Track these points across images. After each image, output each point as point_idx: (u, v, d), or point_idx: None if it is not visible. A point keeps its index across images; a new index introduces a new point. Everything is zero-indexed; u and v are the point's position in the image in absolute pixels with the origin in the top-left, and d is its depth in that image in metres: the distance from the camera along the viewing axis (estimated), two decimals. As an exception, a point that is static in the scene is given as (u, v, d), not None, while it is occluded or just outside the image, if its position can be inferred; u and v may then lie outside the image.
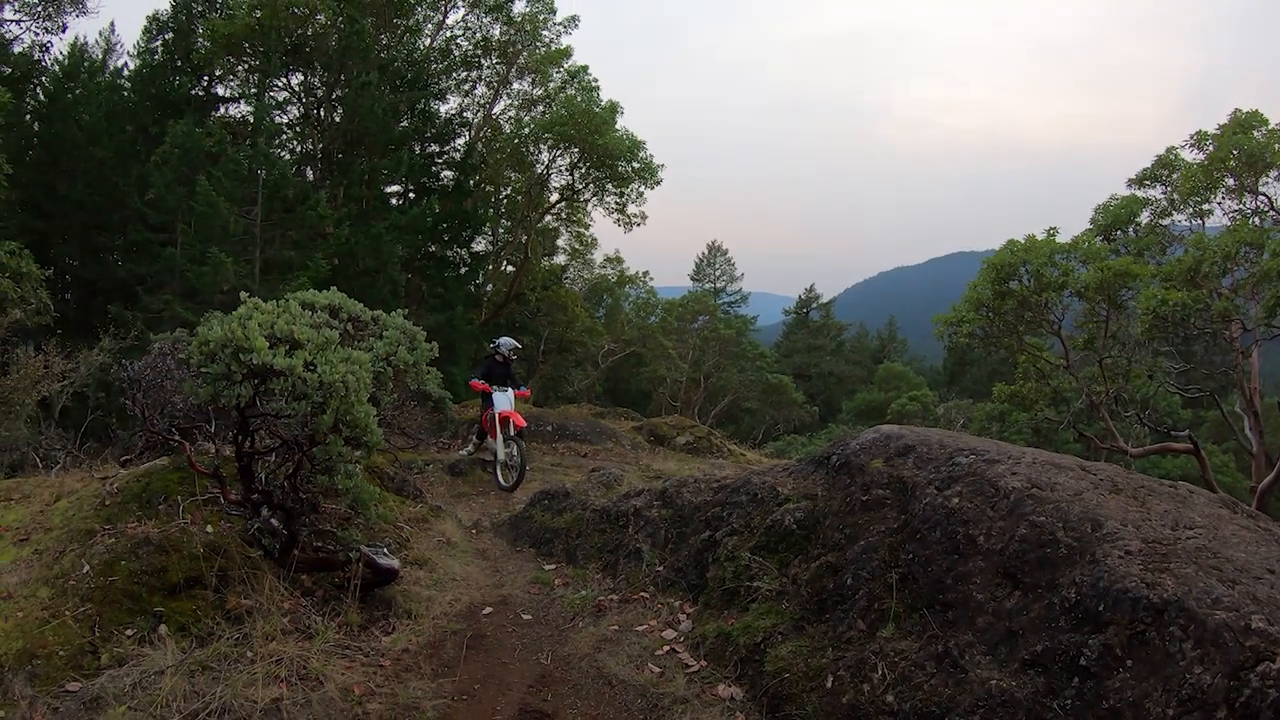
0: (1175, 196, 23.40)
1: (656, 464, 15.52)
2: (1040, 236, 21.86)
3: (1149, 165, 24.16)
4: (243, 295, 6.42)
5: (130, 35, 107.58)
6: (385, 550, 7.17)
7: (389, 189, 30.97)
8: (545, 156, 33.77)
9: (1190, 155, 23.09)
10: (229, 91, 30.19)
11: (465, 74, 33.92)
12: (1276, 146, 21.20)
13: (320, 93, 29.57)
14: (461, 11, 33.45)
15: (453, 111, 33.36)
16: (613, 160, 32.25)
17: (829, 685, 4.98)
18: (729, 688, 5.52)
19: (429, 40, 33.47)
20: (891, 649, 4.85)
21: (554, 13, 33.87)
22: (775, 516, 6.54)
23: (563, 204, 35.99)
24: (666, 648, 6.20)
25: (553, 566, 8.53)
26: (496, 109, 35.19)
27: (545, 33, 33.94)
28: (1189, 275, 19.00)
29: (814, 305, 74.59)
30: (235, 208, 22.94)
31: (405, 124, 29.70)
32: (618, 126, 32.30)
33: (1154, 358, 22.63)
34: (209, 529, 6.33)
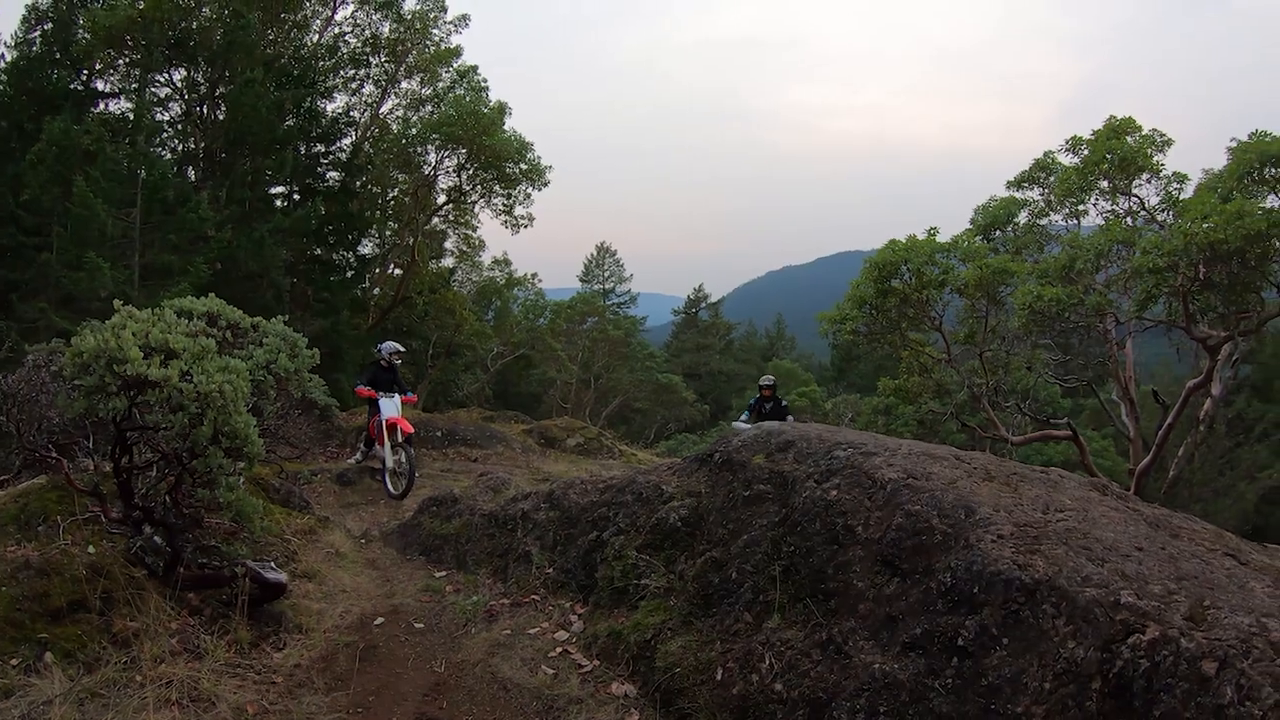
0: (1052, 198, 24.20)
1: (547, 466, 15.54)
2: (921, 236, 22.42)
3: (1027, 168, 24.93)
4: (116, 304, 6.22)
5: (7, 26, 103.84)
6: (272, 564, 7.04)
7: (273, 190, 29.95)
8: (433, 157, 33.30)
9: (1066, 159, 23.93)
10: (109, 87, 28.79)
11: (353, 72, 33.12)
12: (1148, 151, 22.06)
13: (203, 89, 28.57)
14: (351, 8, 32.69)
15: (339, 110, 32.49)
16: (500, 161, 31.97)
17: (719, 677, 5.06)
18: (622, 685, 5.57)
19: (317, 36, 32.60)
20: (778, 639, 4.94)
21: (444, 11, 33.33)
22: (660, 515, 6.61)
23: (450, 206, 35.56)
24: (559, 649, 6.22)
25: (443, 573, 8.49)
26: (384, 108, 34.52)
27: (435, 31, 33.39)
28: (1064, 272, 19.71)
29: (703, 305, 75.05)
30: (113, 210, 21.94)
31: (290, 123, 28.82)
32: (506, 127, 32.12)
33: (1032, 350, 23.35)
34: (90, 550, 6.12)
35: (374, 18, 32.75)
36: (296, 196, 30.16)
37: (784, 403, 14.58)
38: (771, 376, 15.75)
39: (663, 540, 6.44)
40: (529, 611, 6.99)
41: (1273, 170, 17.62)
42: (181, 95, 28.91)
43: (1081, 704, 3.61)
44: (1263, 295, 18.75)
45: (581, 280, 66.81)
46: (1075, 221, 24.25)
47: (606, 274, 67.56)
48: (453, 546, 8.94)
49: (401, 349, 14.74)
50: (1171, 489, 23.11)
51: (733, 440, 6.86)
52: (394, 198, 35.57)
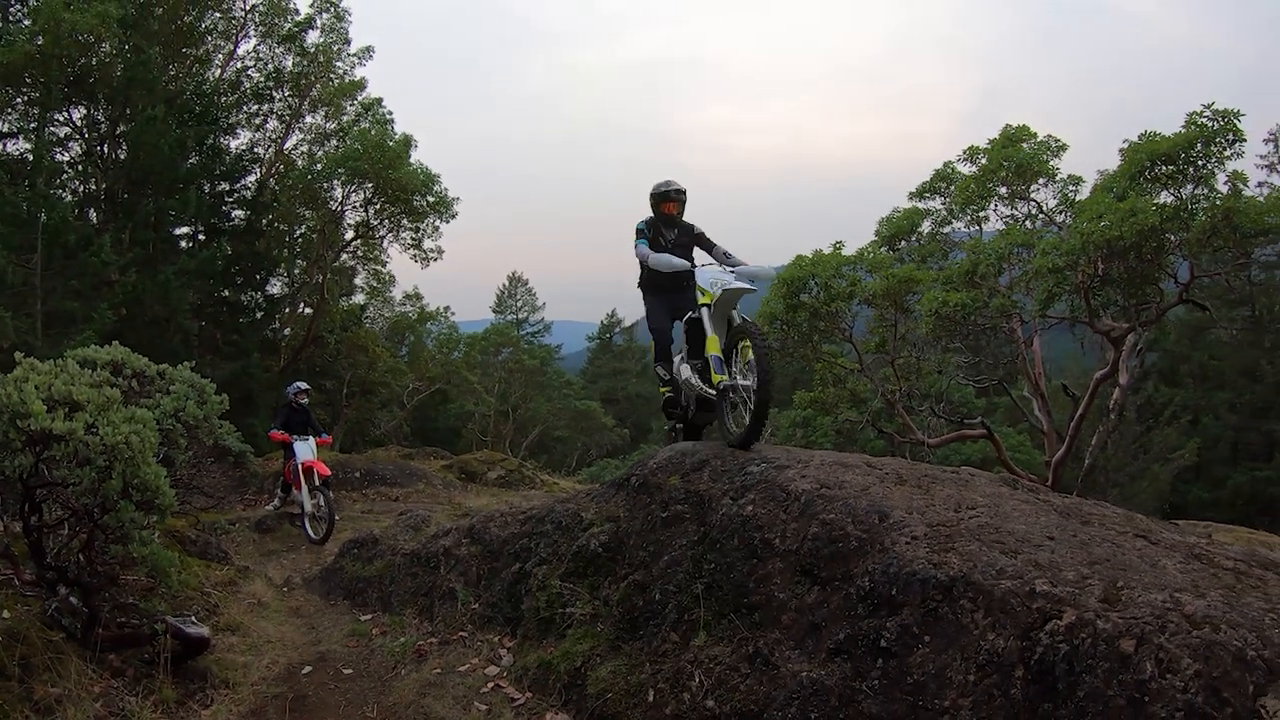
0: (953, 206, 24.57)
1: (468, 501, 15.43)
2: (828, 251, 22.75)
3: (929, 179, 25.33)
4: (18, 356, 6.09)
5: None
6: (193, 619, 6.90)
7: (177, 231, 28.91)
8: (339, 192, 32.54)
9: (965, 168, 24.39)
10: (6, 126, 27.66)
11: (256, 107, 32.21)
12: (1043, 157, 22.67)
13: (103, 128, 27.41)
14: (253, 41, 31.86)
15: (243, 147, 31.52)
16: (408, 195, 31.43)
17: (651, 699, 5.08)
18: (556, 715, 5.56)
19: (219, 71, 31.70)
20: (706, 656, 4.98)
21: (348, 43, 32.68)
22: (581, 542, 6.63)
23: (359, 241, 34.94)
24: (491, 684, 6.19)
25: (369, 616, 8.39)
26: (289, 144, 33.51)
27: (339, 64, 32.69)
28: (968, 277, 20.12)
29: (617, 329, 74.94)
30: (13, 256, 21.27)
31: (193, 161, 27.95)
32: (412, 160, 31.68)
33: (943, 354, 23.74)
34: (5, 614, 5.94)
35: (276, 51, 32.05)
36: (202, 237, 29.28)
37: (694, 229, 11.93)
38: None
39: (585, 567, 6.45)
40: (458, 649, 6.95)
41: (1163, 167, 18.15)
42: (81, 134, 27.83)
43: (1006, 692, 3.70)
44: (1161, 286, 19.43)
45: (494, 311, 66.50)
46: (977, 228, 24.72)
47: (519, 304, 67.34)
48: (376, 588, 8.85)
49: (305, 385, 14.57)
50: (1088, 476, 23.72)
51: (648, 463, 6.89)
52: (301, 235, 34.80)
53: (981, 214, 24.19)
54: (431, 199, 32.18)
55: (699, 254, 8.59)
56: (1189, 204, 17.81)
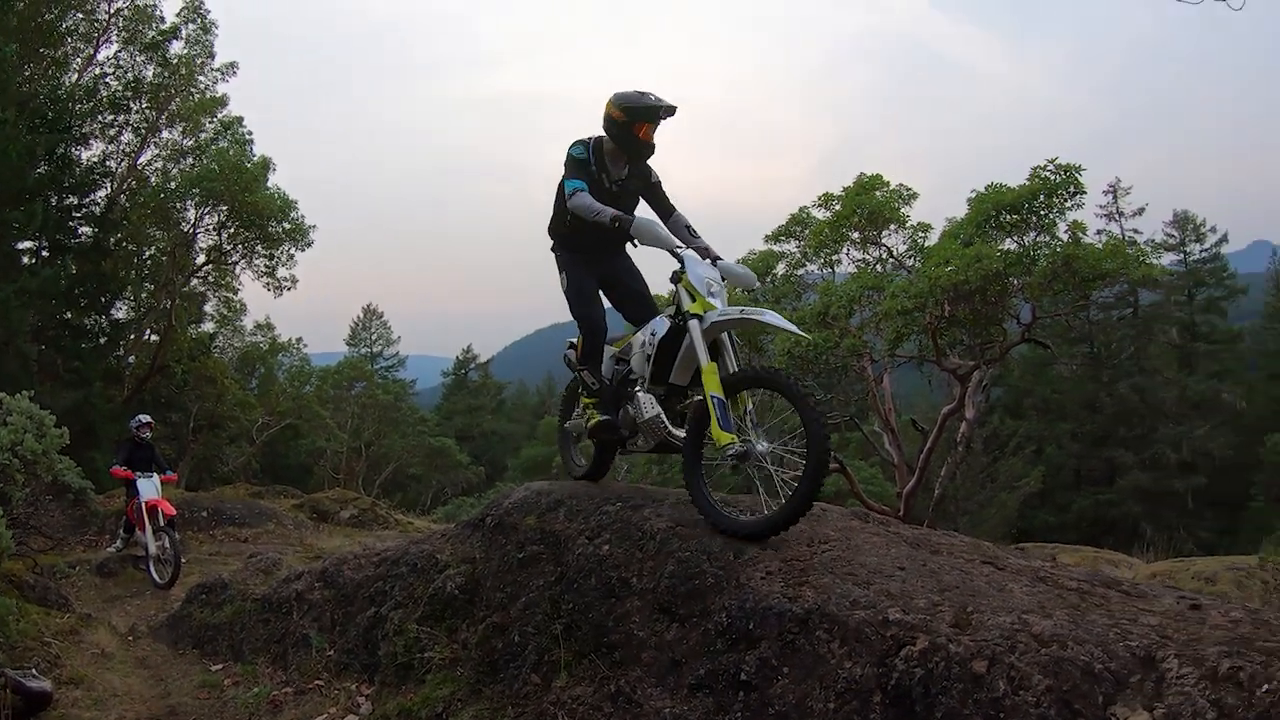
0: (808, 249, 25.24)
1: (321, 542, 15.11)
2: (684, 292, 23.19)
3: (784, 223, 25.97)
4: None
5: None
6: (34, 671, 6.59)
7: (20, 245, 26.95)
8: (192, 214, 31.21)
9: (820, 213, 25.12)
10: None
11: (112, 117, 30.18)
12: (894, 204, 23.62)
13: None
14: (115, 47, 30.10)
15: (95, 159, 29.55)
16: (263, 220, 30.54)
17: (514, 743, 5.04)
18: (418, 762, 5.47)
19: (76, 76, 29.94)
20: (568, 697, 4.97)
21: (212, 57, 31.27)
22: (437, 584, 6.54)
23: (210, 266, 33.66)
24: (350, 733, 6.04)
25: (220, 666, 8.07)
26: (143, 159, 31.63)
27: (201, 78, 31.21)
28: (820, 318, 20.79)
29: (472, 366, 74.37)
30: None
31: (42, 170, 26.48)
32: (270, 184, 30.92)
33: (795, 392, 24.34)
34: None
35: (138, 60, 30.42)
36: (45, 253, 27.54)
37: None
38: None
39: (442, 610, 6.37)
40: (314, 698, 6.75)
41: (1008, 216, 19.23)
42: None
43: (866, 717, 3.81)
44: (1004, 326, 20.44)
45: (348, 344, 65.37)
46: (829, 271, 25.46)
47: (374, 337, 66.36)
48: (227, 636, 8.54)
49: (150, 420, 14.06)
50: (939, 506, 24.56)
51: (504, 503, 6.83)
52: (150, 257, 33.13)
53: (834, 257, 25.01)
54: (288, 225, 31.38)
55: (646, 212, 6.41)
56: (1031, 250, 19.02)
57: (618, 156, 6.22)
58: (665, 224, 6.17)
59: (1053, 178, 18.93)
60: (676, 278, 5.67)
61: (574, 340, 6.65)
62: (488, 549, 6.51)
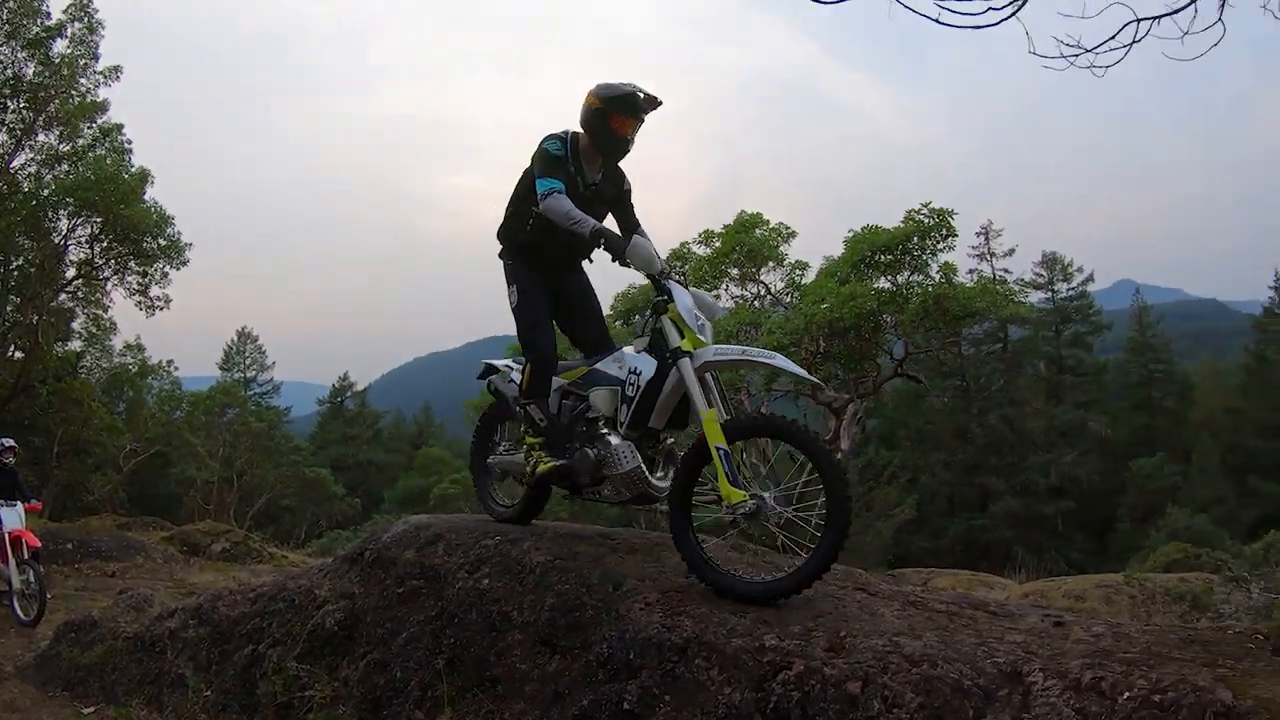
0: (688, 284, 25.59)
1: (193, 577, 14.72)
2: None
3: (665, 257, 26.30)
4: None
5: None
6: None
7: None
8: (64, 224, 29.41)
9: (700, 249, 25.52)
10: None
11: None
12: (773, 242, 24.17)
13: None
14: None
15: None
16: (138, 235, 29.16)
17: (397, 779, 5.03)
18: (300, 802, 5.40)
19: None
20: (453, 732, 4.98)
21: (96, 59, 29.64)
22: (316, 620, 6.43)
23: (80, 281, 32.14)
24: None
25: (92, 709, 7.72)
26: (16, 162, 29.88)
27: (83, 80, 29.54)
28: None
29: (349, 394, 72.89)
30: None
31: None
32: (147, 198, 29.60)
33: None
34: None
35: (19, 55, 28.74)
36: None
37: None
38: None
39: (322, 647, 6.26)
40: (192, 740, 6.57)
41: (883, 256, 19.92)
42: None
43: (748, 741, 3.92)
44: (878, 361, 21.04)
45: (221, 368, 63.74)
46: (709, 306, 25.88)
47: (248, 361, 64.84)
48: (98, 677, 8.16)
49: (13, 444, 13.50)
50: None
51: (382, 537, 6.76)
52: (18, 268, 31.52)
53: (714, 293, 25.38)
54: (164, 242, 29.93)
55: (612, 225, 5.76)
56: (905, 289, 19.80)
57: (592, 156, 5.63)
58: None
59: (926, 221, 19.85)
60: (661, 308, 5.11)
61: (499, 363, 6.31)
62: (366, 584, 6.43)
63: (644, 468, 5.03)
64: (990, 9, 4.86)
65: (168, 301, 31.56)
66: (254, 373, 64.83)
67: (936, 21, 4.92)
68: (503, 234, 5.85)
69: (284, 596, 7.04)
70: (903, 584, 5.35)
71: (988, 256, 50.56)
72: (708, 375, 4.92)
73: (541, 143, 5.51)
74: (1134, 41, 5.13)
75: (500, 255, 5.85)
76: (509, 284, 5.75)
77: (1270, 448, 50.56)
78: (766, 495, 4.61)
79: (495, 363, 6.39)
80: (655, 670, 4.35)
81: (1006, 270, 48.67)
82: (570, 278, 5.95)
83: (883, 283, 20.47)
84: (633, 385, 5.14)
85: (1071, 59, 4.96)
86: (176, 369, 45.76)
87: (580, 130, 5.55)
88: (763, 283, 24.84)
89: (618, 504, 5.63)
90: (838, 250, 21.95)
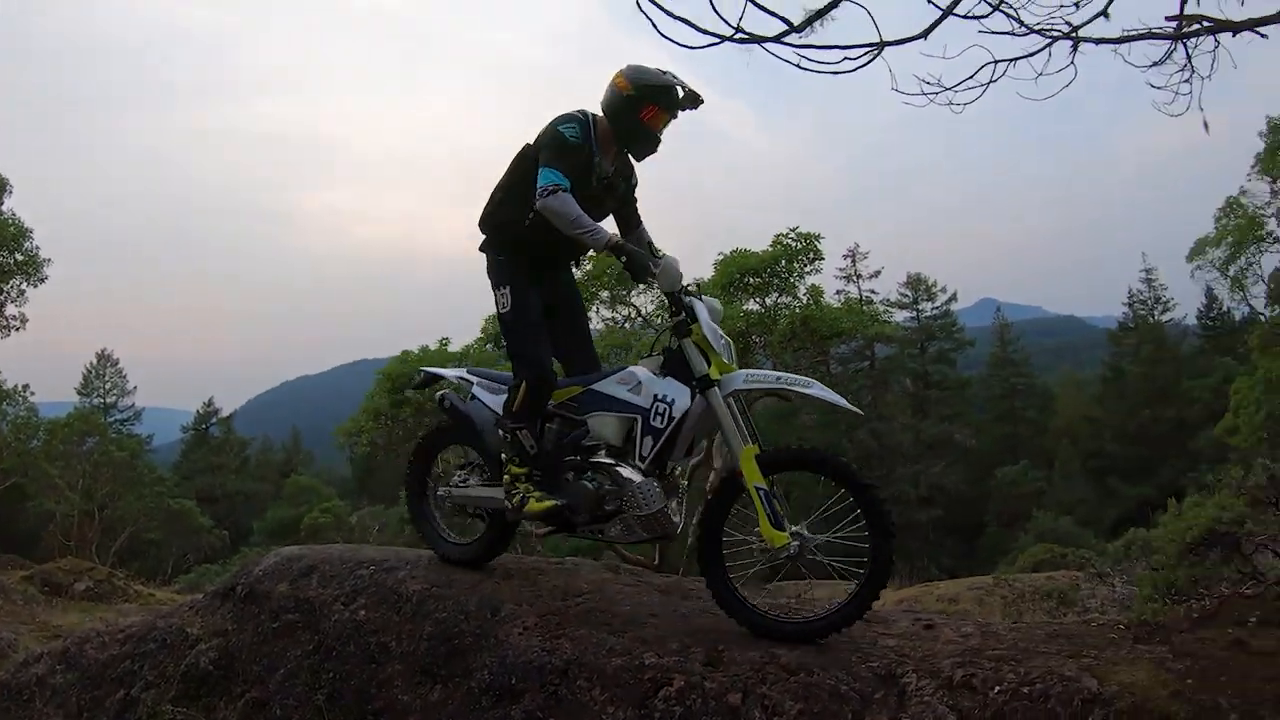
0: (557, 307, 25.76)
1: (56, 619, 14.18)
2: (433, 347, 23.37)
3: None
4: None
5: None
6: None
7: None
8: None
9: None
10: None
11: None
12: None
13: None
14: None
15: None
16: None
17: (281, 817, 4.95)
18: None
19: None
20: (337, 769, 4.92)
21: None
22: (190, 660, 6.24)
23: None
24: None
25: None
26: None
27: None
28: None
29: (214, 420, 70.44)
30: None
31: None
32: (4, 209, 28.28)
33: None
34: None
35: None
36: None
37: None
38: None
39: (197, 688, 6.07)
40: (64, 791, 6.37)
41: (750, 279, 20.40)
42: None
43: (634, 756, 3.99)
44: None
45: (80, 393, 61.24)
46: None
47: (108, 386, 62.47)
48: None
49: None
50: (689, 555, 25.36)
51: (254, 571, 6.61)
52: None
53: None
54: (20, 257, 28.72)
55: (611, 226, 5.08)
56: (773, 311, 20.27)
57: (609, 145, 4.92)
58: (629, 239, 5.13)
59: (794, 244, 20.42)
60: (683, 330, 4.57)
61: (448, 373, 5.66)
62: (240, 620, 6.27)
63: (669, 508, 4.58)
64: (846, 59, 5.14)
65: (24, 321, 30.16)
66: (114, 398, 62.43)
67: (798, 67, 5.16)
68: (491, 223, 5.11)
69: (155, 636, 6.83)
70: (777, 597, 5.44)
71: (855, 278, 52.15)
72: (732, 402, 4.49)
73: (554, 123, 4.81)
74: (991, 81, 5.46)
75: (484, 248, 5.15)
76: (498, 285, 5.01)
77: (1127, 452, 54.23)
78: (803, 530, 4.38)
79: (441, 372, 5.72)
80: (538, 694, 4.36)
81: (873, 291, 50.43)
82: (560, 278, 5.33)
83: (751, 305, 20.94)
84: (661, 415, 4.56)
85: (931, 96, 5.19)
86: (33, 394, 43.90)
87: (601, 114, 4.88)
88: (633, 305, 25.05)
89: (624, 543, 5.07)
90: (708, 273, 22.35)
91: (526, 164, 4.87)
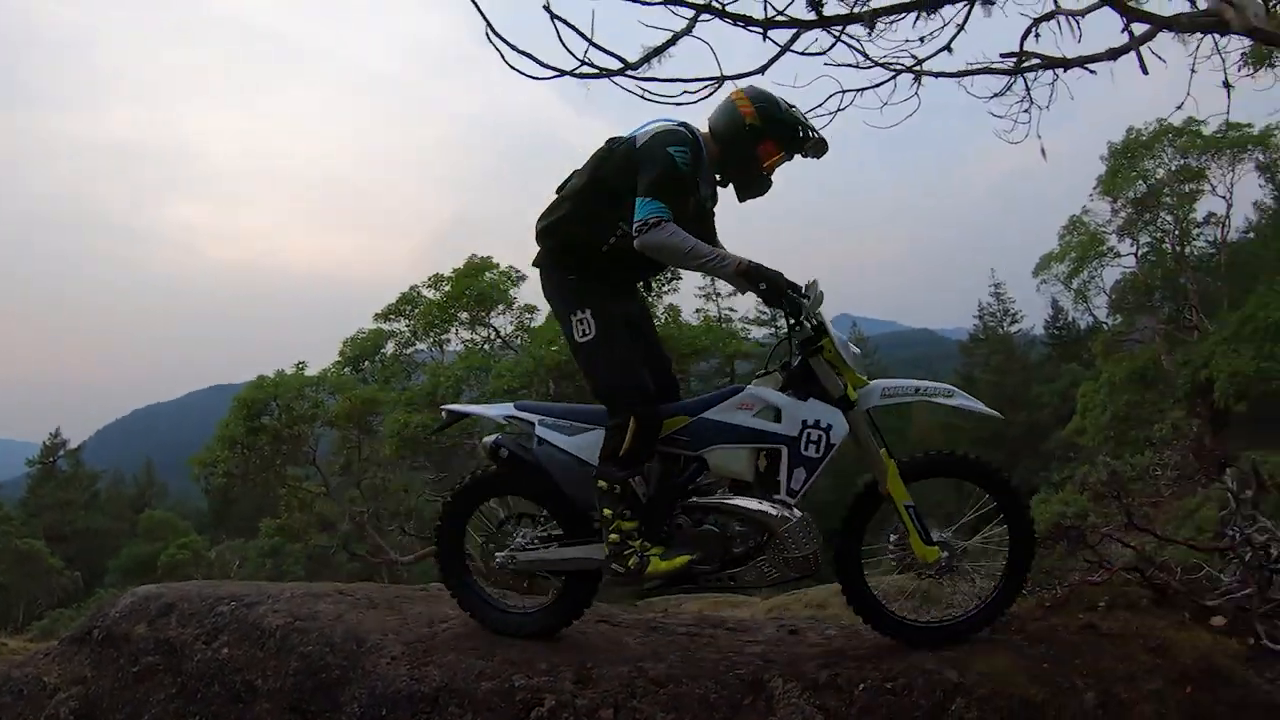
0: (417, 328, 25.55)
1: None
2: (290, 371, 23.05)
3: (395, 301, 26.16)
4: None
5: None
6: None
7: None
8: None
9: (430, 293, 25.49)
10: None
11: None
12: (503, 285, 24.48)
13: None
14: None
15: None
16: None
17: None
18: None
19: None
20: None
21: None
22: (49, 711, 6.01)
23: None
24: None
25: None
26: None
27: None
28: (429, 398, 21.26)
29: (61, 453, 67.18)
30: None
31: None
32: None
33: (409, 472, 24.59)
34: None
35: None
36: None
37: None
38: None
39: (61, 741, 5.94)
40: None
41: None
42: None
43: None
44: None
45: (-87, 426, 58.46)
46: (439, 350, 25.87)
47: (-56, 417, 59.71)
48: None
49: None
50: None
51: (110, 612, 6.40)
52: None
53: (444, 337, 25.51)
54: None
55: None
56: None
57: (711, 167, 4.38)
58: None
59: None
60: (812, 348, 4.12)
61: (480, 411, 4.90)
62: (99, 665, 6.03)
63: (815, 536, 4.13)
64: (685, 91, 5.51)
65: None
66: (-47, 430, 59.67)
67: (641, 98, 5.39)
68: (559, 239, 4.39)
69: (10, 688, 6.56)
70: (644, 612, 5.49)
71: (713, 296, 52.56)
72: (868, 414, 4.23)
73: (661, 139, 4.12)
74: (839, 109, 5.72)
75: (544, 262, 4.49)
76: (574, 308, 4.30)
77: (983, 456, 55.20)
78: (948, 538, 4.24)
79: (474, 410, 5.03)
80: (409, 723, 4.33)
81: (732, 309, 50.86)
82: (635, 298, 4.70)
83: None
84: (817, 443, 4.11)
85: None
86: None
87: (709, 133, 4.33)
88: (492, 326, 25.10)
89: (756, 587, 4.78)
90: None
91: (611, 176, 4.21)
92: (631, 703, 3.96)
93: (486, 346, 24.94)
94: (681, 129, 4.18)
